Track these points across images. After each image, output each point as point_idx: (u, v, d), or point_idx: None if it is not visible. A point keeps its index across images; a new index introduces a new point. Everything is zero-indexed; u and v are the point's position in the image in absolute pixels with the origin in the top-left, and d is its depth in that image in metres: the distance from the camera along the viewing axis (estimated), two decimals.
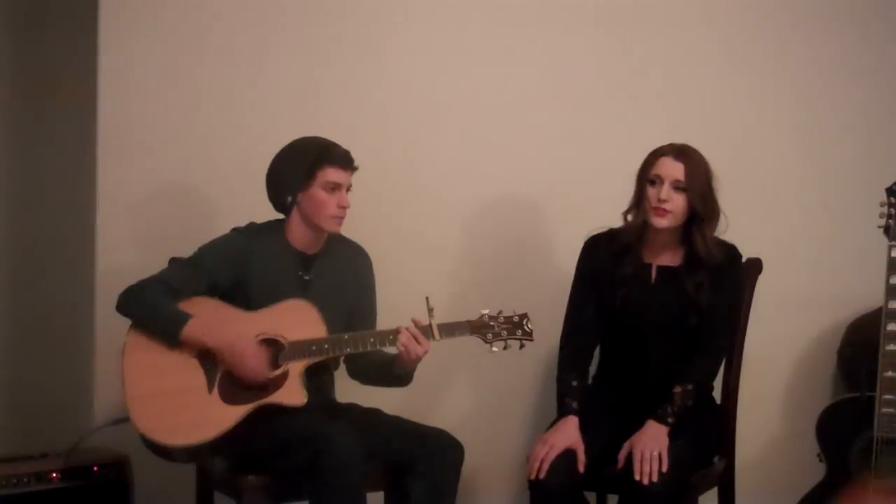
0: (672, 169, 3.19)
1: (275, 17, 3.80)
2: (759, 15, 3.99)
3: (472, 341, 3.25)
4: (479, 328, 3.23)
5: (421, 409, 3.56)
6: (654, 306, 3.26)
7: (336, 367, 3.36)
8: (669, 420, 3.15)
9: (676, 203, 3.18)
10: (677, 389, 3.17)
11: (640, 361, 3.29)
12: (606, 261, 3.29)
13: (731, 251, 3.28)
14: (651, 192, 3.20)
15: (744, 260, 3.39)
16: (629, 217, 3.28)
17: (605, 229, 3.34)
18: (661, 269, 3.29)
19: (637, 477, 3.01)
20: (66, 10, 3.94)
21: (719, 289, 3.23)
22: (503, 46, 3.91)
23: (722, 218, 3.25)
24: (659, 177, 3.19)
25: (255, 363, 3.12)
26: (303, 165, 3.23)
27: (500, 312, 3.25)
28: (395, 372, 3.26)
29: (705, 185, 3.20)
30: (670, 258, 3.29)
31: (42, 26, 4.04)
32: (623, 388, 3.32)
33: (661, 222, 3.19)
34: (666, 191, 3.18)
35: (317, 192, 3.23)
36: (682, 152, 3.20)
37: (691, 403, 3.18)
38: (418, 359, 3.19)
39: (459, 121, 3.88)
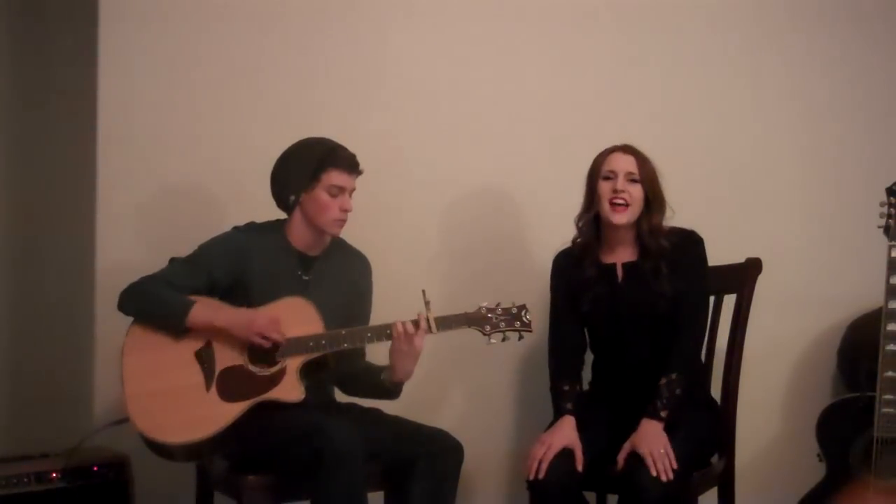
0: (624, 162, 3.26)
1: (275, 17, 3.80)
2: (760, 15, 3.99)
3: (472, 340, 3.24)
4: (477, 320, 3.22)
5: (421, 409, 3.56)
6: (626, 303, 3.30)
7: (334, 364, 3.36)
8: (662, 414, 3.16)
9: (633, 195, 3.25)
10: (662, 381, 3.19)
11: (625, 359, 3.32)
12: (573, 270, 3.35)
13: (686, 235, 3.31)
14: (606, 186, 3.26)
15: (746, 259, 3.43)
16: (580, 223, 3.35)
17: (567, 245, 3.40)
18: (625, 266, 3.33)
19: (654, 474, 3.02)
20: (67, 10, 3.94)
21: (681, 274, 3.27)
22: (507, 46, 3.91)
23: (668, 209, 3.29)
24: (613, 171, 3.26)
25: (269, 322, 3.12)
26: (308, 166, 3.23)
27: (498, 304, 3.24)
28: (384, 383, 3.25)
29: (654, 175, 3.28)
30: (630, 254, 3.33)
31: (42, 26, 4.05)
32: (615, 388, 3.34)
33: (620, 218, 3.25)
34: (622, 182, 3.24)
35: (320, 194, 3.23)
36: (628, 148, 3.29)
37: (680, 392, 3.19)
38: (413, 351, 3.17)
39: (459, 120, 3.88)
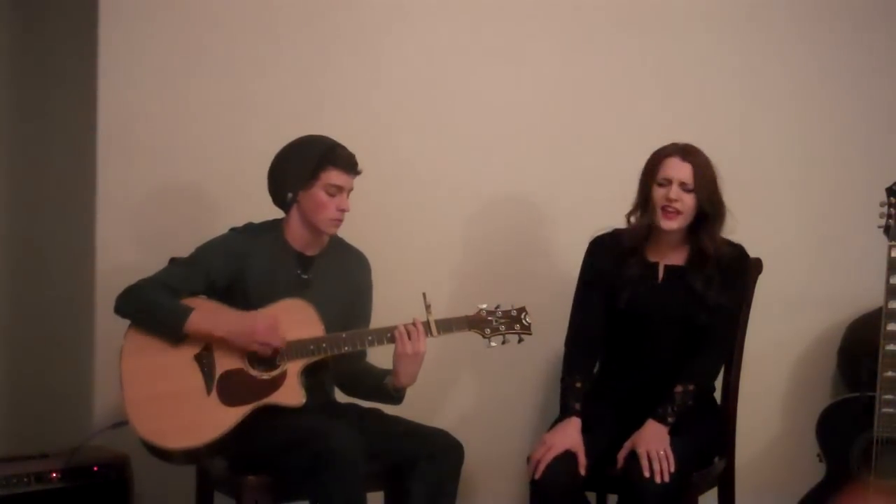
0: (680, 170, 3.18)
1: (275, 17, 3.80)
2: (760, 16, 3.99)
3: (472, 340, 3.25)
4: (477, 323, 3.22)
5: (421, 409, 3.55)
6: (662, 305, 3.25)
7: (334, 365, 3.36)
8: (669, 420, 3.15)
9: (686, 203, 3.18)
10: (678, 389, 3.17)
11: (647, 361, 3.28)
12: (611, 262, 3.28)
13: (740, 251, 3.28)
14: (659, 192, 3.19)
15: None
16: (632, 219, 3.28)
17: (609, 230, 3.33)
18: (667, 268, 3.28)
19: (647, 474, 3.02)
20: (67, 10, 3.94)
21: (727, 287, 3.23)
22: (504, 45, 3.91)
23: (728, 216, 3.24)
24: (667, 179, 3.18)
25: (269, 329, 3.11)
26: (307, 164, 3.22)
27: (497, 307, 3.24)
28: (386, 388, 3.25)
29: (712, 184, 3.20)
30: (675, 257, 3.28)
31: (42, 26, 4.04)
32: (627, 387, 3.31)
33: (670, 224, 3.19)
34: (675, 191, 3.17)
35: (318, 192, 3.22)
36: (688, 152, 3.20)
37: (692, 403, 3.18)
38: (416, 355, 3.17)
39: (458, 120, 3.89)
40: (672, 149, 3.21)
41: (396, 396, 3.26)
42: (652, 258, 3.29)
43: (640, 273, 3.26)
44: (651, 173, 3.22)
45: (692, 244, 3.25)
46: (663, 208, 3.18)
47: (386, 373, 3.25)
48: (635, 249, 3.27)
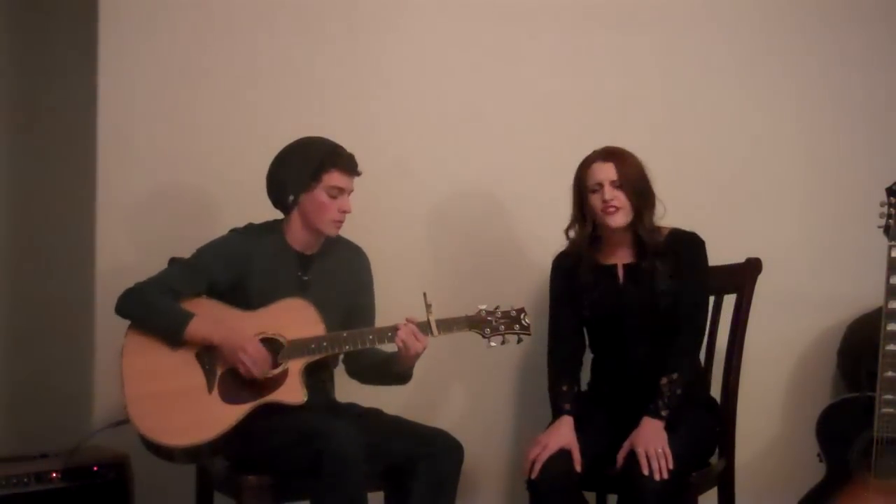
0: (605, 171, 3.27)
1: (275, 17, 3.80)
2: (761, 16, 3.99)
3: (472, 340, 3.25)
4: (477, 323, 3.23)
5: (421, 409, 3.56)
6: (628, 304, 3.30)
7: (335, 364, 3.36)
8: (663, 413, 3.17)
9: (621, 199, 3.25)
10: (663, 381, 3.20)
11: (626, 360, 3.32)
12: (571, 274, 3.36)
13: (687, 237, 3.32)
14: (595, 198, 3.27)
15: (746, 259, 3.44)
16: (571, 233, 3.36)
17: (565, 245, 3.40)
18: (625, 267, 3.34)
19: (646, 472, 3.03)
20: (67, 10, 3.94)
21: (681, 274, 3.28)
22: (504, 45, 3.91)
23: (658, 205, 3.29)
24: (598, 183, 3.27)
25: (255, 360, 3.11)
26: (309, 167, 3.22)
27: (497, 307, 3.26)
28: (393, 370, 3.26)
29: (638, 177, 3.28)
30: (630, 255, 3.34)
31: (42, 26, 4.04)
32: (615, 388, 3.35)
33: (616, 220, 3.26)
34: (609, 191, 3.25)
35: (320, 194, 3.23)
36: (608, 153, 3.29)
37: (681, 392, 3.19)
38: (417, 355, 3.19)
39: (459, 120, 3.88)
40: (593, 155, 3.31)
41: (404, 376, 3.28)
42: (609, 261, 3.35)
43: (596, 277, 3.33)
44: (582, 183, 3.31)
45: (638, 240, 3.31)
46: (604, 210, 3.25)
47: (390, 356, 3.26)
48: (583, 258, 3.34)
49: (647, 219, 3.28)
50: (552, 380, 3.35)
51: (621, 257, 3.35)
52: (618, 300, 3.31)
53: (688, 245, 3.32)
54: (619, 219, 3.26)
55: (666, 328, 3.27)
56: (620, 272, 3.34)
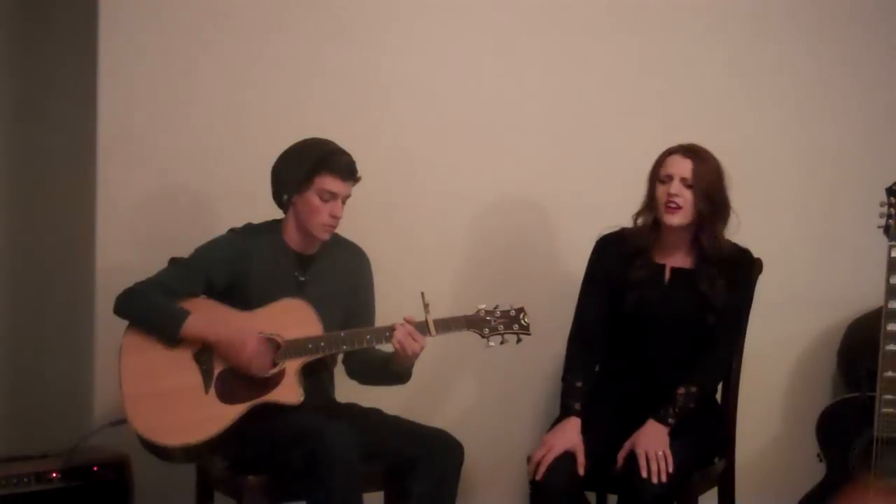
0: (681, 166, 3.21)
1: (274, 17, 3.80)
2: (760, 16, 3.99)
3: (472, 340, 3.24)
4: (476, 323, 3.22)
5: (421, 409, 3.56)
6: (669, 307, 3.26)
7: (334, 364, 3.36)
8: (670, 421, 3.15)
9: (687, 199, 3.20)
10: (680, 391, 3.18)
11: (651, 362, 3.28)
12: (618, 262, 3.30)
13: (745, 254, 3.30)
14: (661, 189, 3.22)
15: None
16: (639, 220, 3.29)
17: (615, 229, 3.34)
18: (674, 269, 3.29)
19: (645, 474, 3.02)
20: (67, 10, 3.94)
21: (732, 289, 3.25)
22: (506, 45, 3.91)
23: (733, 217, 3.26)
24: (669, 175, 3.21)
25: (256, 355, 3.11)
26: (303, 168, 3.21)
27: (496, 307, 3.24)
28: (392, 370, 3.26)
29: (713, 182, 3.22)
30: (682, 259, 3.30)
31: (42, 26, 4.04)
32: (629, 388, 3.31)
33: (672, 219, 3.20)
34: (676, 186, 3.20)
35: (311, 197, 3.21)
36: (690, 150, 3.23)
37: (693, 406, 3.18)
38: (415, 355, 3.18)
39: (460, 120, 3.88)
40: (676, 147, 3.25)
41: (404, 375, 3.27)
42: (659, 260, 3.30)
43: (647, 275, 3.27)
44: (655, 172, 3.25)
45: (698, 246, 3.26)
46: (666, 204, 3.20)
47: (391, 355, 3.25)
48: (641, 250, 3.28)
49: (713, 227, 3.22)
50: (567, 370, 3.28)
51: (673, 259, 3.29)
52: (659, 302, 3.26)
53: (747, 264, 3.30)
54: (677, 218, 3.20)
55: (696, 340, 3.24)
56: (668, 274, 3.29)
